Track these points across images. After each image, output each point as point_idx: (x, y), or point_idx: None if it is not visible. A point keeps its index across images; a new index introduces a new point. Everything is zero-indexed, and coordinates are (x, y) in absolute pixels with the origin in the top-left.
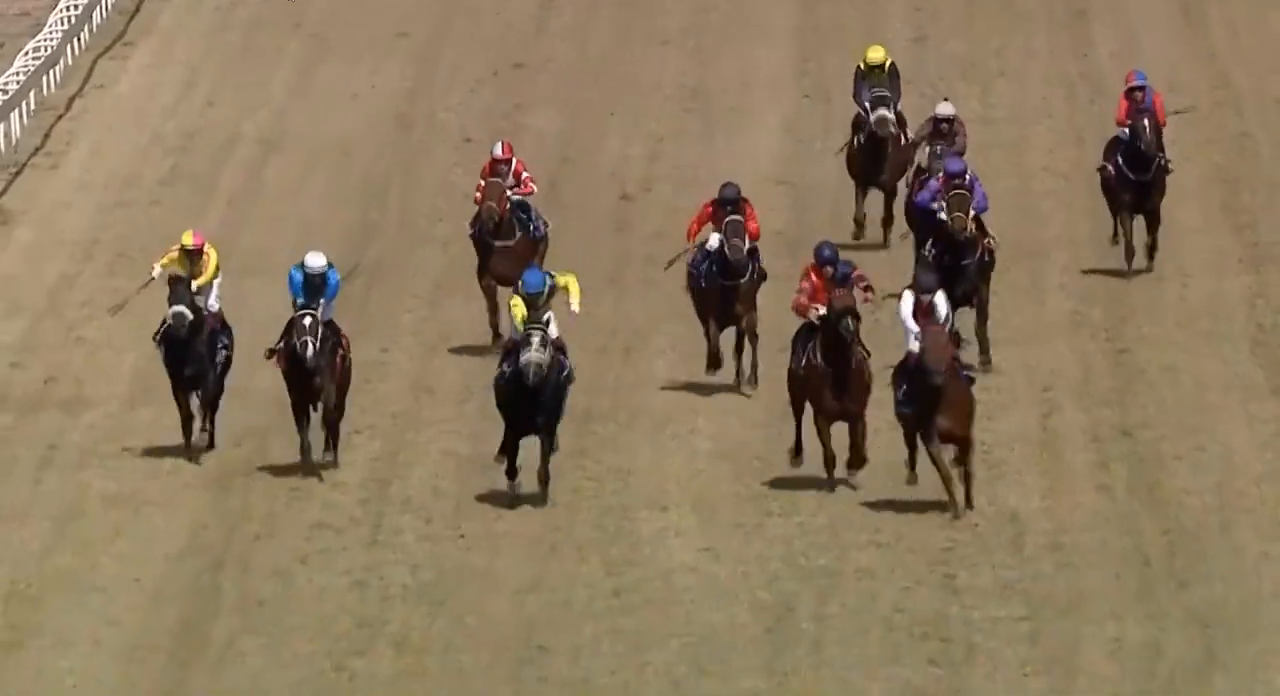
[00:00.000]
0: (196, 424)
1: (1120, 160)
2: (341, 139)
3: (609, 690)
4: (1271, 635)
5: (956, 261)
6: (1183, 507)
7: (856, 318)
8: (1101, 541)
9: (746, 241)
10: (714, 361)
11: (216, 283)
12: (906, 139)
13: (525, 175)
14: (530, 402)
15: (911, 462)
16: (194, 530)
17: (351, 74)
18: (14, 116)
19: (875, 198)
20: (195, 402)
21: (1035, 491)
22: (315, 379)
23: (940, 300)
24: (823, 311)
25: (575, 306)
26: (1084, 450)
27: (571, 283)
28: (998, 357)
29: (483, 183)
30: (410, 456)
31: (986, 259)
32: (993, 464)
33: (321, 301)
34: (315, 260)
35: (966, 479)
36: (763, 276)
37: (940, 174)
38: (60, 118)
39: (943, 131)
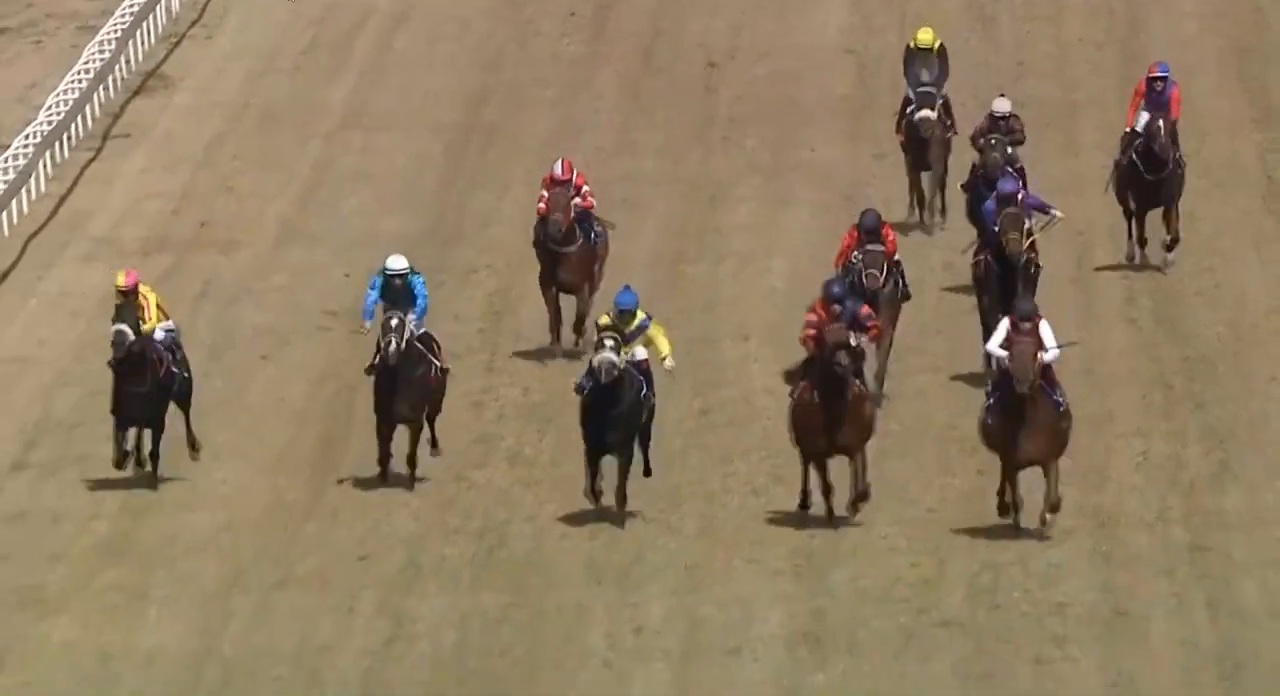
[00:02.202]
0: (146, 464)
1: (1135, 156)
2: (461, 13)
3: (696, 497)
4: (1276, 452)
5: (1008, 276)
6: (1200, 338)
7: (850, 352)
8: (1129, 368)
9: (884, 271)
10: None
11: (165, 326)
12: (952, 125)
13: (585, 189)
14: (606, 410)
15: (1001, 495)
16: (331, 357)
17: None
18: None
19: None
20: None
21: (1071, 324)
22: (400, 402)
23: (1045, 328)
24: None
25: (668, 363)
26: (1114, 286)
27: (661, 337)
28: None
29: (545, 193)
30: (522, 291)
31: (1033, 271)
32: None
33: (413, 314)
34: (396, 261)
35: (1049, 498)
36: (906, 297)
37: (994, 194)
38: None
39: (1000, 128)
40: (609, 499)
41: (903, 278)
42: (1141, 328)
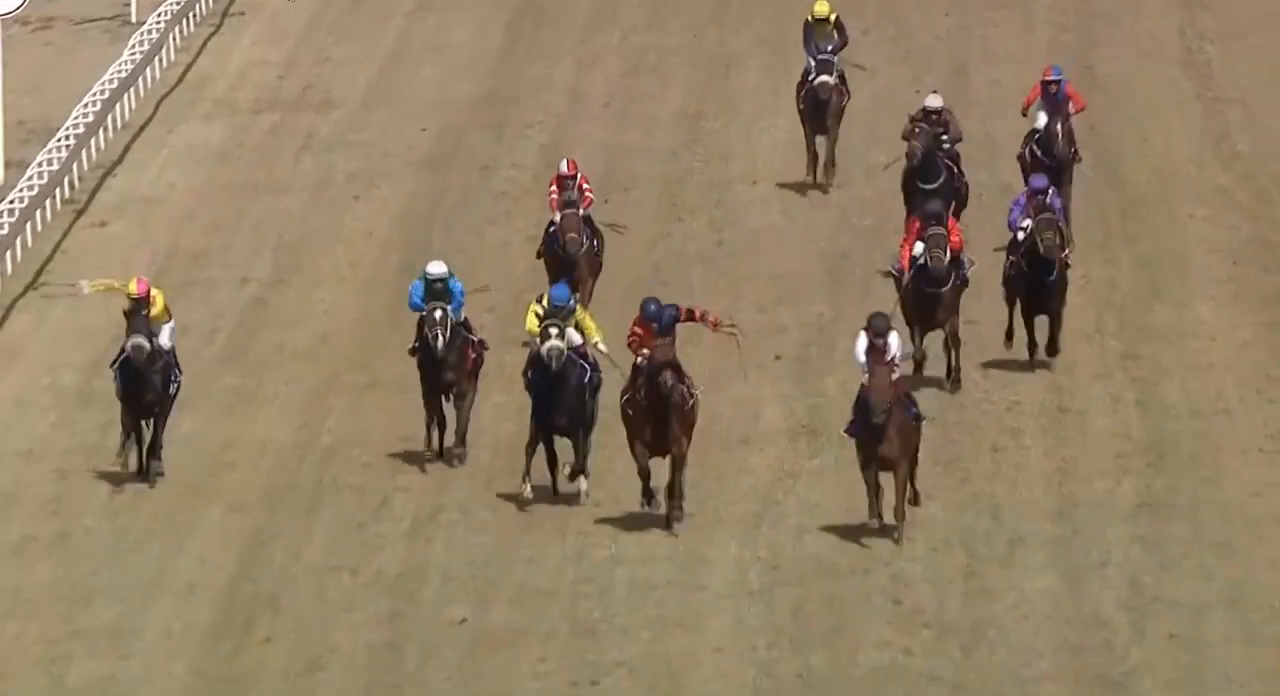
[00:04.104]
0: (155, 463)
1: (1035, 149)
2: None
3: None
4: (1196, 275)
5: (1041, 278)
6: (1132, 182)
7: (675, 371)
8: (1073, 208)
9: (948, 253)
10: (918, 364)
11: (169, 325)
12: (847, 92)
13: (586, 188)
14: (555, 397)
15: (870, 500)
16: (411, 199)
17: None
18: None
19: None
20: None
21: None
22: (446, 372)
23: (893, 340)
24: (647, 354)
25: (602, 347)
26: None
27: (589, 321)
28: (1000, 72)
29: (554, 196)
30: (569, 148)
31: (1065, 273)
32: (994, 151)
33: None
34: (436, 267)
35: (898, 511)
36: (964, 284)
37: (1025, 191)
38: None
39: (932, 121)
40: (560, 483)
41: (963, 267)
42: (1084, 175)
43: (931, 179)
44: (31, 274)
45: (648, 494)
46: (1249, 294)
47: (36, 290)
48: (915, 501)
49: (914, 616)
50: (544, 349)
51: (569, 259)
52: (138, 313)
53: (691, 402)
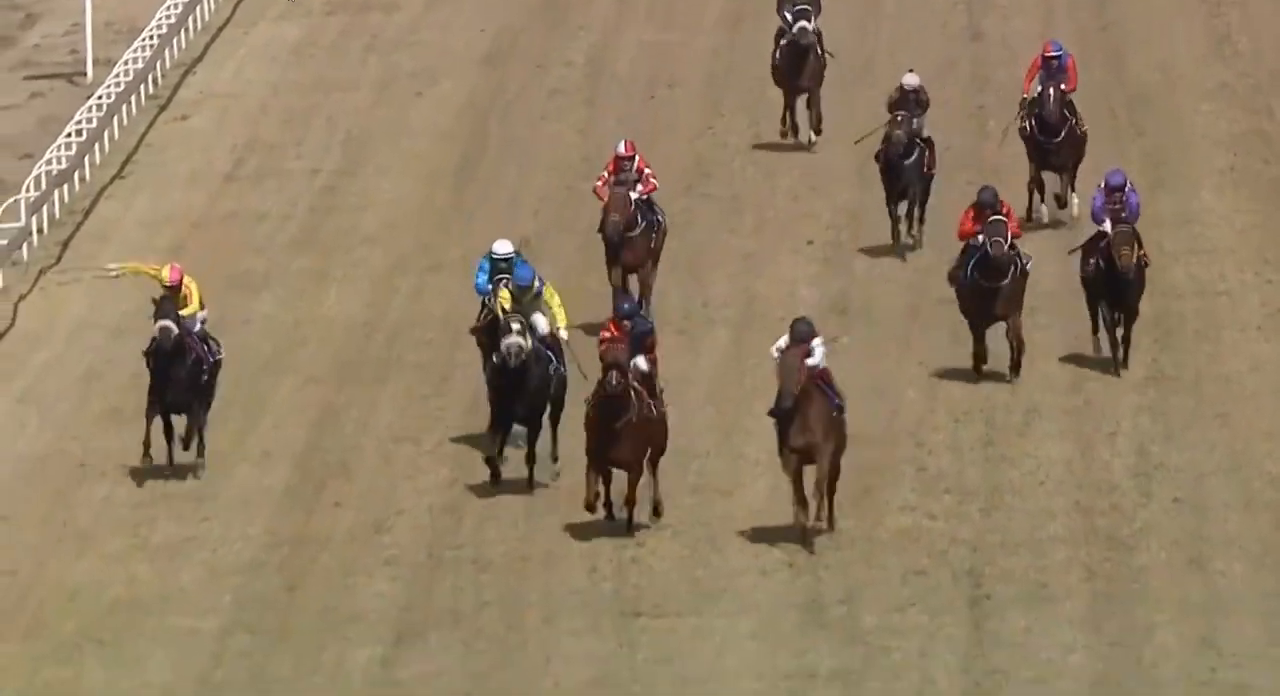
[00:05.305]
0: (189, 452)
1: (1034, 123)
2: None
3: (750, 200)
4: (1199, 165)
5: (1118, 279)
6: (1140, 80)
7: (621, 372)
8: (1082, 104)
9: (1008, 240)
10: (980, 359)
11: (200, 315)
12: (823, 50)
13: (647, 172)
14: (514, 390)
15: (796, 497)
16: (470, 95)
17: None
18: None
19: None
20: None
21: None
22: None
23: (818, 344)
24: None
25: (564, 333)
26: (1074, 47)
27: (558, 305)
28: None
29: (606, 177)
30: (617, 47)
31: (1143, 267)
32: (1012, 50)
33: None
34: (502, 246)
35: (820, 497)
36: (1025, 275)
37: (1101, 185)
38: None
39: (909, 100)
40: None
41: (1023, 258)
42: (1092, 73)
43: (907, 156)
44: (118, 164)
45: (607, 505)
46: (1248, 183)
47: (123, 179)
48: (830, 519)
49: (936, 482)
50: (504, 344)
51: (609, 242)
52: (167, 297)
53: (651, 414)
